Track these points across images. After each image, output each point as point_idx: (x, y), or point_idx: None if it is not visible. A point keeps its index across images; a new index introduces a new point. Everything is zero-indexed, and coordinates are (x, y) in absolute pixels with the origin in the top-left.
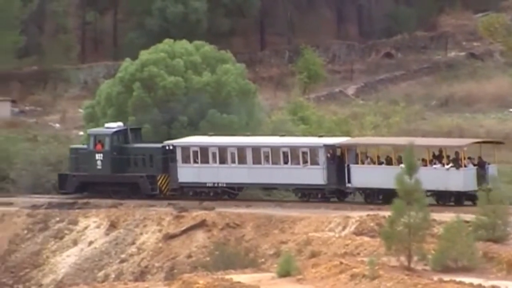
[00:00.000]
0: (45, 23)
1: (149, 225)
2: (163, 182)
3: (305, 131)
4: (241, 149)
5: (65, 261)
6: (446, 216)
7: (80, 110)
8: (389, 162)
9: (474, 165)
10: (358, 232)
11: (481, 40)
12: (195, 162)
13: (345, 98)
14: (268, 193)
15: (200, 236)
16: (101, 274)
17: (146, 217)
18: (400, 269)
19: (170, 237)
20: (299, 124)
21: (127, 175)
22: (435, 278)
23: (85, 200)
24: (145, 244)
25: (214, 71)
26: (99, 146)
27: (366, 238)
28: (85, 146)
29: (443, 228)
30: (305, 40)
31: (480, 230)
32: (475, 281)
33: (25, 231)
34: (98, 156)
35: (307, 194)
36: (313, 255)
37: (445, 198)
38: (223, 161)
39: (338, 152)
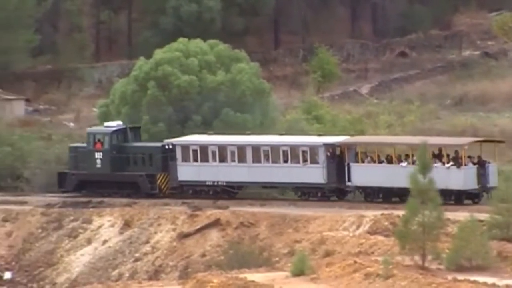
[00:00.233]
0: (60, 22)
1: (163, 224)
2: (162, 181)
3: (319, 130)
4: (241, 148)
5: (79, 260)
6: (460, 215)
7: (94, 109)
8: (389, 161)
9: (474, 163)
10: (372, 231)
11: (496, 39)
12: (195, 160)
13: (359, 97)
14: (268, 192)
15: (214, 235)
16: (115, 273)
17: (160, 216)
18: (414, 268)
19: (184, 236)
20: (313, 123)
21: (127, 174)
22: (449, 277)
23: (99, 199)
24: (159, 243)
25: (228, 70)
26: (98, 145)
27: (380, 237)
28: (84, 145)
29: (457, 227)
30: (319, 39)
31: (494, 229)
32: (489, 280)
33: (39, 230)
34: (98, 155)
35: (306, 193)
36: (327, 254)
37: (446, 197)
38: (222, 159)
39: (338, 151)
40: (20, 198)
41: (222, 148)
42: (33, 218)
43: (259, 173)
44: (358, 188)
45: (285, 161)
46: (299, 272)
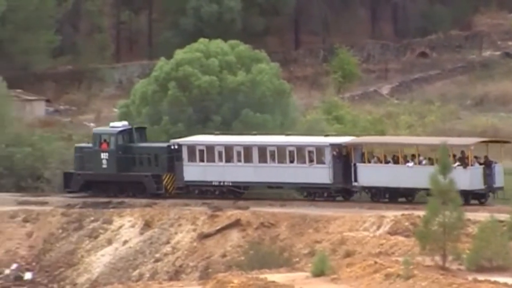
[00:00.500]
0: (80, 23)
1: (184, 224)
2: (168, 181)
3: (339, 131)
4: (247, 148)
5: (100, 260)
6: (481, 215)
7: (115, 110)
8: (395, 161)
9: (480, 164)
10: (392, 232)
11: None
12: (201, 161)
13: (380, 97)
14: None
15: (234, 236)
16: (135, 273)
17: (180, 217)
18: (434, 269)
19: (204, 236)
20: (334, 124)
21: (132, 174)
22: (470, 277)
23: (119, 200)
24: (179, 244)
25: (249, 70)
26: (104, 145)
27: (400, 238)
28: (90, 145)
29: (477, 227)
30: (339, 39)
31: None
32: (510, 280)
33: (60, 231)
34: (104, 155)
35: (312, 193)
36: (348, 254)
37: None
38: (229, 159)
39: (344, 151)
40: (40, 199)
41: (228, 148)
42: (53, 219)
43: (265, 173)
44: (364, 188)
45: (291, 161)
46: (319, 273)
